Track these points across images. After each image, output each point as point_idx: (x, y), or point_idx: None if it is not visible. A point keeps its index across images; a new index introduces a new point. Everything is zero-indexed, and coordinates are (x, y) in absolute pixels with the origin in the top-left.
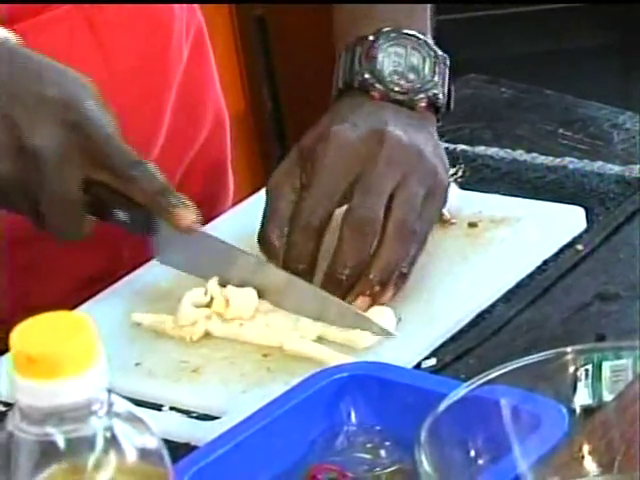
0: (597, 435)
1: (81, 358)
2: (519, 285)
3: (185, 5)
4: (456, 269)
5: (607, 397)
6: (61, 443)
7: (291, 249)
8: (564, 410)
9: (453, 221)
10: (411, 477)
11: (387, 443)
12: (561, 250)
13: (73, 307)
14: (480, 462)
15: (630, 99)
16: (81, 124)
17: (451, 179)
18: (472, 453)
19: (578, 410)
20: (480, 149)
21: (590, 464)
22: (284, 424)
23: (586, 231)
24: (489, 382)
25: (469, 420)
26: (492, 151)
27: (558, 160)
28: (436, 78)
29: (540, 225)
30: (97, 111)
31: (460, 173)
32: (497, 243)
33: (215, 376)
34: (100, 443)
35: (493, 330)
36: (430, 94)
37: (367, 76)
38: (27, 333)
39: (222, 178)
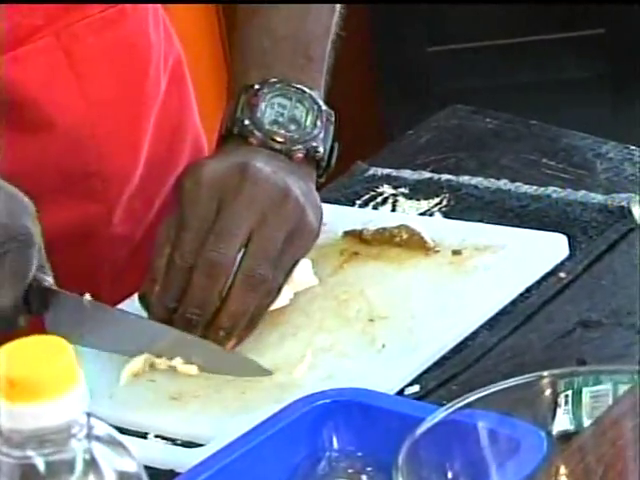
0: (575, 459)
1: (61, 381)
2: (502, 312)
3: (162, 35)
4: (439, 296)
5: (587, 423)
6: (41, 466)
7: (165, 290)
8: (543, 435)
9: (437, 249)
10: None
11: (369, 469)
12: (544, 278)
13: None
14: None
15: (613, 129)
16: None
17: (435, 208)
18: (450, 477)
19: (556, 435)
20: (465, 178)
21: None
22: (267, 450)
23: (569, 259)
24: (467, 406)
25: (447, 444)
26: (476, 180)
27: (542, 189)
28: (316, 131)
29: (523, 253)
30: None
31: (445, 202)
32: (481, 271)
33: (199, 403)
34: (80, 466)
35: (476, 357)
36: (308, 146)
37: (247, 122)
38: (7, 357)
39: None
